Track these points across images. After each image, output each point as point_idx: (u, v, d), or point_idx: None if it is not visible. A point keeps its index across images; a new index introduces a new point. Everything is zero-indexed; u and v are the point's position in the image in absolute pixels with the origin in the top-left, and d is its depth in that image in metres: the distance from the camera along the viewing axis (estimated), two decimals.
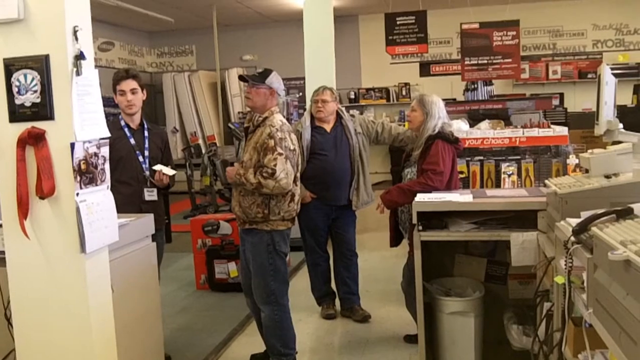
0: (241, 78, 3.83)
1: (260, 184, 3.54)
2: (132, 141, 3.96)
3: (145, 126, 4.06)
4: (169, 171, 3.96)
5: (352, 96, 13.60)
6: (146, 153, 3.99)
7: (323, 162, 4.71)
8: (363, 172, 4.82)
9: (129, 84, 3.89)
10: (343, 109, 4.94)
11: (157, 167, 3.96)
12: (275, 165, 3.53)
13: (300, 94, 10.59)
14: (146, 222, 3.42)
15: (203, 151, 11.26)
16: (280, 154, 3.55)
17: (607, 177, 2.49)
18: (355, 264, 4.96)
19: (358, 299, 4.94)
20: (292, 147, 3.63)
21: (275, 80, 3.75)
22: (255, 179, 3.55)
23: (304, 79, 7.87)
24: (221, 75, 12.69)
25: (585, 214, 1.99)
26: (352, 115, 5.01)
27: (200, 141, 12.79)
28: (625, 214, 1.85)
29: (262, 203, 3.64)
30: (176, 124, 13.14)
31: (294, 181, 3.69)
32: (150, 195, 3.96)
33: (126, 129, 3.96)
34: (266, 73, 3.76)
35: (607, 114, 2.49)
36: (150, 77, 14.24)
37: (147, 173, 3.96)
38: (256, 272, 3.76)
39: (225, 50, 12.82)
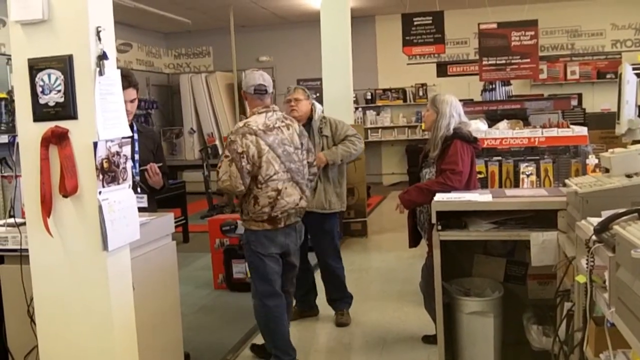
0: None
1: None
2: None
3: (135, 128, 3.83)
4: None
5: (369, 97, 13.59)
6: (136, 157, 3.80)
7: None
8: (326, 176, 4.67)
9: (130, 94, 3.64)
10: (317, 108, 4.82)
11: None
12: (219, 167, 3.68)
13: (317, 94, 10.62)
14: (167, 220, 3.45)
15: (220, 152, 11.29)
16: (227, 156, 3.66)
17: (629, 176, 2.47)
18: (332, 272, 4.86)
19: (342, 303, 4.91)
20: (240, 150, 3.63)
21: (244, 82, 3.90)
22: None
23: (320, 79, 7.89)
24: (238, 77, 12.71)
25: (606, 213, 1.98)
26: (324, 117, 4.83)
27: (217, 142, 12.85)
28: None
29: (239, 203, 3.84)
30: (193, 125, 13.20)
31: (258, 184, 3.67)
32: (140, 202, 3.59)
33: None
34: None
35: (629, 112, 2.48)
36: (167, 78, 14.35)
37: (138, 178, 3.75)
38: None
39: (242, 52, 12.88)
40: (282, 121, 3.83)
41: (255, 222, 3.76)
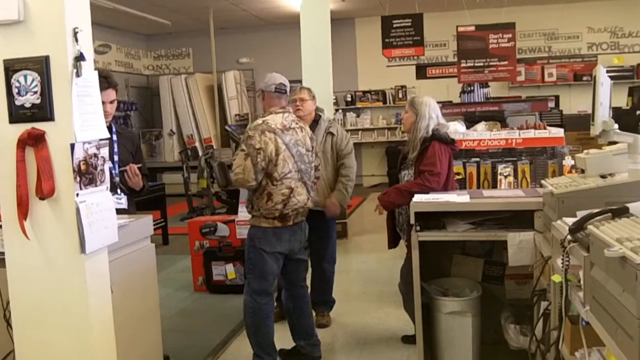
0: None
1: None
2: None
3: (114, 130, 3.80)
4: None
5: (349, 99, 13.62)
6: (115, 158, 3.78)
7: None
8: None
9: (109, 95, 3.62)
10: (327, 118, 4.84)
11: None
12: (234, 160, 3.77)
13: None
14: (145, 222, 3.43)
15: (200, 154, 11.25)
16: (243, 150, 3.71)
17: (603, 177, 2.51)
18: (324, 275, 4.90)
19: (325, 306, 4.93)
20: (257, 146, 3.67)
21: (263, 82, 3.99)
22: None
23: (300, 81, 7.88)
24: (218, 78, 12.71)
25: (581, 214, 2.01)
26: (333, 119, 4.96)
27: (197, 144, 12.79)
28: (620, 212, 1.87)
29: (249, 198, 3.85)
30: (173, 127, 13.12)
31: (273, 181, 3.71)
32: (118, 203, 3.63)
33: None
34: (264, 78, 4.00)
35: (603, 114, 2.51)
36: (147, 80, 14.26)
37: (117, 179, 3.74)
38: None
39: (222, 53, 12.84)
40: (297, 123, 3.92)
41: (265, 219, 3.79)
